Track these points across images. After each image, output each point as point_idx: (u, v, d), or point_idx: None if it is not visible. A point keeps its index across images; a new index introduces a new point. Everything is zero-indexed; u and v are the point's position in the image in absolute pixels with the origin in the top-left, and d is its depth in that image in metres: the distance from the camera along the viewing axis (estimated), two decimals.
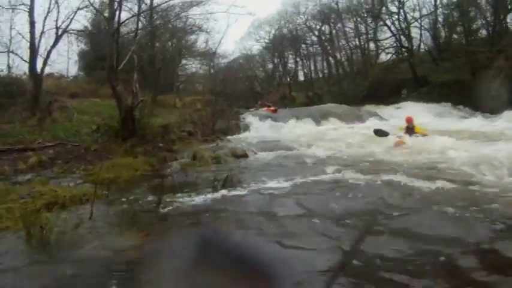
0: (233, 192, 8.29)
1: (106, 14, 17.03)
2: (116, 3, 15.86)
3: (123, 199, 8.12)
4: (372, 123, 23.63)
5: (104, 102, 24.42)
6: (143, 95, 17.14)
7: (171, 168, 12.35)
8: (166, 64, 31.93)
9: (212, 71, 39.68)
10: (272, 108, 30.63)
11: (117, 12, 16.01)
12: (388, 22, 42.00)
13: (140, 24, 19.62)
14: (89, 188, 8.48)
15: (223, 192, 8.25)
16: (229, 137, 21.29)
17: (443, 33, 41.38)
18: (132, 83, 16.61)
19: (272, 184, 9.02)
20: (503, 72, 25.91)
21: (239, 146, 16.53)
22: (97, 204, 6.88)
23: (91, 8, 20.15)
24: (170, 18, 27.31)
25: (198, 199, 7.80)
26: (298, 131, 24.04)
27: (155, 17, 28.60)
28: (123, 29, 20.39)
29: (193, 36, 36.45)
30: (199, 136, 19.91)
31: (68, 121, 19.83)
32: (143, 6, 24.47)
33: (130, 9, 24.19)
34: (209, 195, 8.04)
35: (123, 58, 16.03)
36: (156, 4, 27.07)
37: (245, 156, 14.29)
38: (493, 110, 24.73)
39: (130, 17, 19.91)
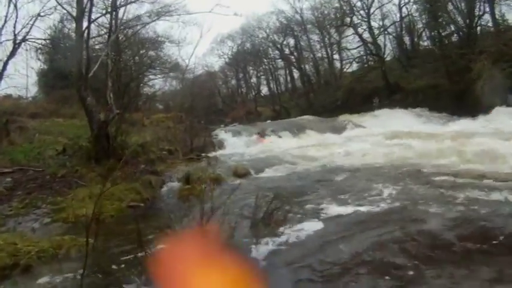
0: (293, 228, 5.69)
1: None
2: None
3: (119, 250, 5.17)
4: (355, 133, 23.05)
5: (67, 122, 21.37)
6: (118, 107, 13.88)
7: (163, 195, 9.42)
8: (133, 79, 29.02)
9: (180, 86, 36.93)
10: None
11: (88, 8, 12.94)
12: (353, 31, 40.96)
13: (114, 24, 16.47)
14: (64, 233, 5.51)
15: (278, 231, 5.47)
16: (209, 155, 18.54)
17: (408, 41, 41.25)
18: (106, 93, 13.39)
19: (331, 210, 6.78)
20: (485, 73, 24.64)
21: (236, 163, 13.64)
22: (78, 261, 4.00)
23: (54, 13, 17.24)
24: (137, 27, 24.91)
25: (244, 249, 4.98)
26: (277, 145, 21.67)
27: (123, 27, 25.77)
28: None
29: (163, 52, 33.93)
30: (180, 155, 16.93)
31: (28, 142, 16.25)
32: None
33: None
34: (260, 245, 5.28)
35: (93, 64, 12.95)
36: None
37: (248, 174, 11.56)
38: (475, 113, 23.36)
39: (104, 14, 16.63)
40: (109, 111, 12.81)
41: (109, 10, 16.16)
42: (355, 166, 11.72)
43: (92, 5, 13.22)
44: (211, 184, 9.95)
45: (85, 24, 12.95)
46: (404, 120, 25.44)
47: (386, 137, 17.33)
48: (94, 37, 17.44)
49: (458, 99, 26.59)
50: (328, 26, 44.20)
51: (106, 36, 16.03)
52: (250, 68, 56.50)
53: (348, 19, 40.52)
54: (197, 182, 10.15)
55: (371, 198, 7.62)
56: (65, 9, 15.04)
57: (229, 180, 10.91)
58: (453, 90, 27.62)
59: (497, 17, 29.43)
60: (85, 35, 12.85)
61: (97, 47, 22.37)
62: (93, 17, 14.15)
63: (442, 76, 30.16)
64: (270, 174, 12.13)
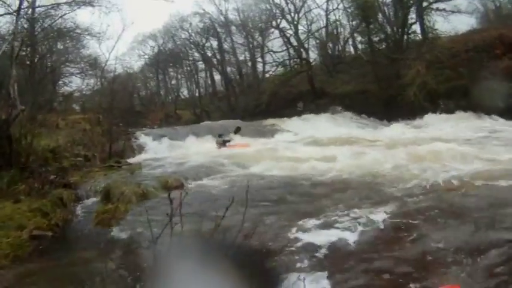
0: None
1: None
2: None
3: None
4: (284, 137, 22.32)
5: None
6: (24, 103, 11.27)
7: (78, 217, 7.21)
8: (48, 73, 26.23)
9: (99, 84, 34.22)
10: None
11: None
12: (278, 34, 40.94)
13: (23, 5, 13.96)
14: None
15: None
16: (130, 161, 16.32)
17: (332, 47, 41.75)
18: (10, 83, 10.76)
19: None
20: (419, 79, 24.96)
21: (164, 174, 11.45)
22: None
23: None
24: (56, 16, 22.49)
25: None
26: (203, 149, 20.06)
27: (36, 15, 23.04)
28: None
29: (81, 44, 31.09)
30: (97, 161, 14.55)
31: None
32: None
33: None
34: None
35: None
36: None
37: (181, 187, 9.56)
38: (406, 118, 24.21)
39: None
40: (12, 108, 10.28)
41: None
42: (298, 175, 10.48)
43: None
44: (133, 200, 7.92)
45: None
46: (333, 125, 25.21)
47: (321, 143, 16.66)
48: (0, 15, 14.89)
49: (388, 104, 26.69)
50: (252, 29, 43.07)
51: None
52: (171, 69, 54.45)
53: (275, 22, 40.31)
54: (120, 199, 8.01)
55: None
56: None
57: (159, 195, 8.83)
58: (382, 96, 27.79)
59: (427, 25, 29.71)
60: None
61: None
62: None
63: (370, 82, 30.19)
64: (205, 184, 10.27)
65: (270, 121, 29.72)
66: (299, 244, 5.40)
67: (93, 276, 3.93)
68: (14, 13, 13.24)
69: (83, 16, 64.61)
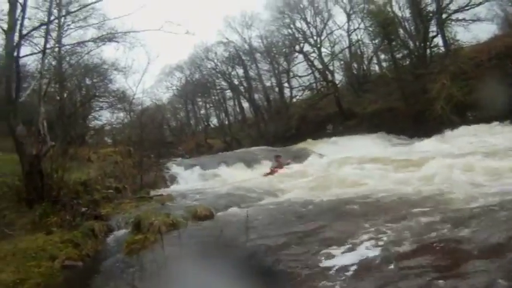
0: None
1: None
2: (18, 10, 10.72)
3: None
4: (316, 160, 21.67)
5: (7, 157, 18.84)
6: (53, 140, 11.58)
7: (108, 248, 7.34)
8: (77, 110, 26.82)
9: (128, 117, 34.88)
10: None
11: (19, 22, 10.84)
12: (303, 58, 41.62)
13: (48, 44, 14.34)
14: None
15: None
16: (162, 192, 16.42)
17: (356, 67, 41.33)
18: (39, 121, 11.10)
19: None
20: (444, 92, 24.90)
21: (194, 203, 11.52)
22: None
23: None
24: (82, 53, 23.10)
25: None
26: (234, 177, 20.05)
27: (63, 53, 23.66)
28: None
29: (108, 80, 31.77)
30: (129, 193, 14.70)
31: None
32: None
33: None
34: None
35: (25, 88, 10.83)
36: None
37: (211, 216, 9.61)
38: (435, 133, 23.49)
39: (38, 27, 14.44)
40: (42, 143, 10.58)
41: (44, 21, 14.13)
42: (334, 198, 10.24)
43: (24, 16, 11.11)
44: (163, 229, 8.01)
45: (16, 39, 10.89)
46: (364, 146, 24.68)
47: (351, 163, 16.10)
48: (27, 55, 15.22)
49: (416, 120, 26.53)
50: (277, 55, 43.49)
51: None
52: (199, 99, 55.03)
53: (298, 46, 40.76)
54: (150, 229, 8.11)
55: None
56: None
57: (189, 225, 8.93)
58: (410, 112, 27.65)
59: (449, 37, 29.72)
60: (16, 52, 10.79)
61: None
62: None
63: (397, 99, 30.09)
64: (235, 213, 10.26)
65: (300, 145, 29.69)
66: (324, 268, 5.38)
67: None
68: (40, 52, 13.59)
69: (108, 52, 65.51)
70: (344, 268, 5.22)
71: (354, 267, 5.22)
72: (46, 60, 16.62)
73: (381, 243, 5.95)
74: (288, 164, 20.20)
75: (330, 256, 5.77)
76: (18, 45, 11.00)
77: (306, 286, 4.91)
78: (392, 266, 5.06)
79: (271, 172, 18.80)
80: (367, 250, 5.79)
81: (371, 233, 6.53)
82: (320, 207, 9.70)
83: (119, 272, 5.93)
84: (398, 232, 6.30)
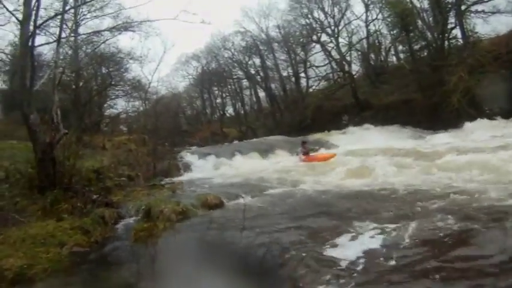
0: None
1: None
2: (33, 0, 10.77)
3: None
4: (330, 151, 21.01)
5: (22, 145, 18.90)
6: (67, 128, 11.64)
7: (117, 235, 7.39)
8: (92, 98, 26.98)
9: (144, 106, 35.02)
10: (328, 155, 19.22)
11: (34, 11, 10.90)
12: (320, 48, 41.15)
13: (63, 34, 14.43)
14: None
15: None
16: (174, 180, 16.49)
17: (374, 57, 41.30)
18: (52, 109, 11.17)
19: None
20: (462, 85, 24.50)
21: (205, 192, 11.56)
22: None
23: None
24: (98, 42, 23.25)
25: None
26: (248, 166, 20.13)
27: (80, 43, 23.84)
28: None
29: (124, 68, 31.98)
30: (141, 181, 14.76)
31: None
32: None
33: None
34: None
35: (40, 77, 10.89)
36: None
37: (221, 205, 9.64)
38: (452, 126, 23.59)
39: (53, 17, 14.56)
40: (55, 131, 10.67)
41: (59, 11, 14.20)
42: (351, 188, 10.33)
43: (39, 6, 11.17)
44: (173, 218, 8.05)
45: (31, 29, 10.96)
46: (380, 137, 24.55)
47: (364, 155, 16.31)
48: (41, 45, 15.35)
49: (433, 113, 26.26)
50: (294, 45, 43.15)
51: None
52: (215, 88, 54.89)
53: (316, 36, 40.42)
54: (159, 217, 8.16)
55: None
56: (8, 10, 12.89)
57: (198, 213, 8.96)
58: (426, 105, 27.30)
59: (468, 29, 29.20)
60: (30, 41, 10.86)
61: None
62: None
63: (414, 91, 29.86)
64: (246, 202, 10.27)
65: (316, 136, 29.52)
66: (324, 258, 5.39)
67: None
68: (55, 42, 13.64)
69: (124, 41, 65.56)
70: (347, 259, 5.23)
71: (358, 258, 5.23)
72: (62, 50, 16.73)
73: (388, 235, 5.96)
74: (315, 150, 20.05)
75: (335, 246, 5.79)
76: (33, 35, 11.06)
77: (308, 276, 4.92)
78: (393, 260, 5.06)
79: (305, 160, 18.65)
80: (373, 241, 5.80)
81: (381, 225, 6.54)
82: (332, 197, 9.70)
83: (124, 259, 5.97)
84: (407, 226, 6.29)
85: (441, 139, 20.81)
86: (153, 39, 55.42)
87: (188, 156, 23.76)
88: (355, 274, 4.84)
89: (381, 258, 5.14)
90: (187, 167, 21.41)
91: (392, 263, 4.96)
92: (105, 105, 34.09)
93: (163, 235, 7.08)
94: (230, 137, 44.05)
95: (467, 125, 22.53)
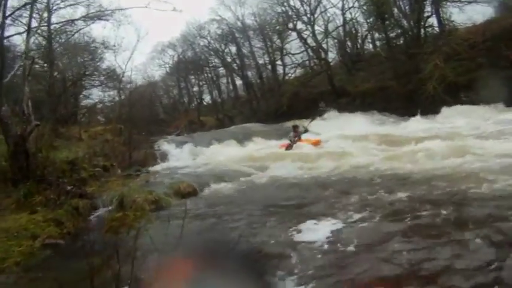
0: None
1: None
2: None
3: None
4: (304, 137, 20.28)
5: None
6: (37, 119, 11.55)
7: (91, 225, 7.44)
8: (67, 89, 26.64)
9: (120, 95, 34.70)
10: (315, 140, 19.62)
11: (3, 2, 10.81)
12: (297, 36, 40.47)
13: (34, 23, 14.32)
14: None
15: None
16: (150, 169, 16.52)
17: (350, 45, 41.24)
18: (23, 100, 11.08)
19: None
20: (437, 72, 24.48)
21: (179, 180, 11.62)
22: None
23: None
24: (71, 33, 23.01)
25: None
26: (225, 154, 19.95)
27: (53, 32, 23.66)
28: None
29: (98, 58, 31.62)
30: (117, 171, 14.77)
31: None
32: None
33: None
34: None
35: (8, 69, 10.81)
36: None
37: (194, 193, 9.74)
38: (427, 113, 23.39)
39: (21, 6, 14.38)
40: (26, 123, 10.62)
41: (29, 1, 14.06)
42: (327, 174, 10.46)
43: None
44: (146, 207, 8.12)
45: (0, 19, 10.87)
46: (357, 123, 24.47)
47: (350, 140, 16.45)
48: (11, 36, 15.20)
49: (408, 100, 26.20)
50: (270, 33, 43.00)
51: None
52: (192, 77, 54.33)
53: (292, 24, 39.97)
54: (132, 206, 8.24)
55: None
56: None
57: (172, 202, 9.06)
58: (402, 92, 27.40)
59: (444, 17, 29.36)
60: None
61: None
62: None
63: (390, 78, 29.81)
64: (220, 189, 10.43)
65: (291, 123, 29.49)
66: (294, 244, 5.52)
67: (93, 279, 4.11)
68: (25, 32, 13.53)
69: (98, 31, 64.77)
70: (315, 243, 5.37)
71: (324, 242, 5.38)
72: (35, 40, 16.58)
73: (358, 217, 6.14)
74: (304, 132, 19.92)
75: (305, 230, 5.93)
76: (2, 26, 10.97)
77: (276, 261, 5.04)
78: (359, 240, 5.21)
79: (289, 145, 18.33)
80: (343, 224, 5.96)
81: (351, 207, 6.71)
82: (307, 182, 9.87)
83: (96, 250, 6.04)
84: (374, 208, 6.46)
85: (414, 125, 20.91)
86: (126, 28, 54.90)
87: (165, 145, 23.58)
88: (319, 257, 4.98)
89: (344, 242, 5.28)
90: (164, 156, 21.29)
91: (355, 245, 5.11)
92: (81, 95, 33.78)
93: (134, 225, 7.15)
94: (207, 125, 43.98)
95: (444, 111, 22.80)
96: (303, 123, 26.82)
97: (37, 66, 22.93)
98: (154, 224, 7.16)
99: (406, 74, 27.73)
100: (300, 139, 18.79)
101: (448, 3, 29.14)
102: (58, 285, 3.85)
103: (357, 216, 6.30)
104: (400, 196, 7.01)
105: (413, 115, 23.82)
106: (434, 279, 3.98)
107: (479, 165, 8.49)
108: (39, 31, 19.84)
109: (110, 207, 8.93)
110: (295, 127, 20.05)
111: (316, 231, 5.84)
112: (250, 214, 7.30)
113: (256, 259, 5.20)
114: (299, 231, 5.95)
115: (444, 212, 5.81)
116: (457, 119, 20.14)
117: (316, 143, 17.72)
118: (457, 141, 12.03)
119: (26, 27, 13.98)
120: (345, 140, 16.61)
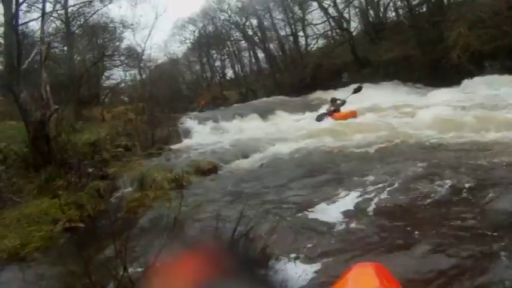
0: None
1: None
2: None
3: None
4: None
5: (20, 125, 18.96)
6: (58, 103, 11.57)
7: (111, 210, 7.47)
8: (87, 70, 26.79)
9: (140, 74, 34.83)
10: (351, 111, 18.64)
11: None
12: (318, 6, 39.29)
13: (48, 7, 14.37)
14: None
15: None
16: (172, 147, 16.56)
17: (373, 13, 39.82)
18: (41, 85, 11.12)
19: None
20: (462, 41, 23.47)
21: (200, 157, 11.64)
22: None
23: None
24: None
25: None
26: (248, 129, 20.20)
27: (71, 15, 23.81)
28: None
29: (117, 38, 31.87)
30: (139, 150, 14.83)
31: None
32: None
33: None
34: None
35: (28, 55, 10.86)
36: None
37: (214, 170, 9.72)
38: (452, 83, 22.53)
39: None
40: (46, 108, 10.68)
41: None
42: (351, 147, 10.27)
43: None
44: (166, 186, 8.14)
45: (14, 7, 10.91)
46: (382, 95, 23.68)
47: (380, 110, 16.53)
48: (25, 22, 15.29)
49: (432, 69, 25.63)
50: (291, 3, 42.21)
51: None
52: (214, 51, 53.80)
53: None
54: (152, 186, 8.27)
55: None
56: None
57: (192, 179, 9.06)
58: (426, 61, 26.63)
59: None
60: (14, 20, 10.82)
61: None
62: None
63: (414, 47, 29.04)
64: (242, 165, 10.42)
65: (315, 94, 29.53)
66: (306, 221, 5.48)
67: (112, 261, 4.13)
68: (39, 18, 13.60)
69: (115, 11, 64.88)
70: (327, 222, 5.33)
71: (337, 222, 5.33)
72: (53, 24, 16.62)
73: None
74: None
75: (317, 211, 5.89)
76: (17, 13, 11.02)
77: (285, 240, 5.01)
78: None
79: (331, 115, 18.24)
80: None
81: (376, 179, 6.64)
82: (332, 154, 9.80)
83: (116, 230, 6.08)
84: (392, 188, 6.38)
85: (439, 95, 20.55)
86: (143, 6, 54.34)
87: (188, 121, 23.63)
88: (332, 237, 4.93)
89: (358, 221, 5.23)
90: (187, 133, 21.30)
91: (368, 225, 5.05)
92: (103, 77, 33.98)
93: (154, 204, 7.17)
94: (231, 99, 43.82)
95: (467, 81, 22.21)
96: (325, 94, 26.58)
97: (56, 50, 23.07)
98: (173, 202, 7.17)
99: (430, 43, 26.96)
100: (338, 111, 18.61)
101: None
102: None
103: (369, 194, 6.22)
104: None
105: (438, 85, 23.40)
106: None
107: None
108: (56, 15, 19.92)
109: (131, 188, 8.97)
110: (333, 100, 19.80)
111: (329, 211, 5.79)
112: (265, 191, 7.28)
113: (268, 238, 5.16)
114: (313, 211, 5.91)
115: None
116: (480, 89, 19.80)
117: (352, 115, 17.37)
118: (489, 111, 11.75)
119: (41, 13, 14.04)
120: (377, 112, 16.37)
